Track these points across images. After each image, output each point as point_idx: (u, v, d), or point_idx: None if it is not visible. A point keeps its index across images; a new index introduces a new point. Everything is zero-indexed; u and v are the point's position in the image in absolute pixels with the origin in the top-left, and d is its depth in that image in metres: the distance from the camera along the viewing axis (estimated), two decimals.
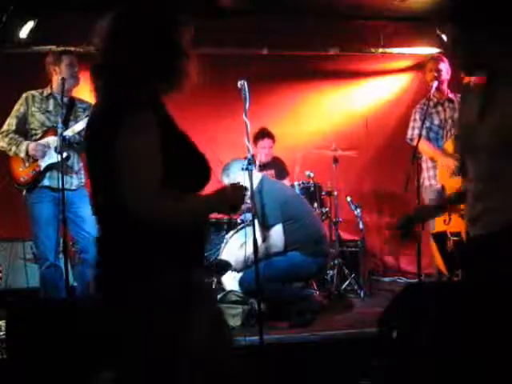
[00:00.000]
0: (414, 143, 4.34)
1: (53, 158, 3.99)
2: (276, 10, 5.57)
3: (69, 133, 4.00)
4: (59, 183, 3.85)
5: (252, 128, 3.44)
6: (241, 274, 4.24)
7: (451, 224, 3.71)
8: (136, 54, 1.70)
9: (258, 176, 4.28)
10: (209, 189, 1.80)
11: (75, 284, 4.39)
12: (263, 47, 5.82)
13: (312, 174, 5.30)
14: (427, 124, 4.46)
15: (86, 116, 4.12)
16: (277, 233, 4.18)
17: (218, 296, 4.10)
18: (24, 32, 5.20)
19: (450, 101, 4.58)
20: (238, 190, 1.83)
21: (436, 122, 4.55)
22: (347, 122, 6.42)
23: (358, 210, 5.34)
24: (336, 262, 5.15)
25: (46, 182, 4.05)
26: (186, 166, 1.72)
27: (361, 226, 5.38)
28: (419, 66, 6.07)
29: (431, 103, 4.53)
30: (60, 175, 3.84)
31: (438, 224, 3.88)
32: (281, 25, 5.64)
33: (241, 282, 4.16)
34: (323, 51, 6.05)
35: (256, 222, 3.65)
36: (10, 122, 4.11)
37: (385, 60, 6.33)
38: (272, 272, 4.01)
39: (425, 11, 5.59)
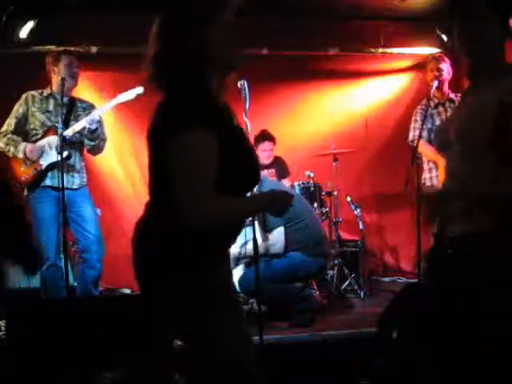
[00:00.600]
0: (415, 145, 4.33)
1: (54, 157, 3.99)
2: (276, 10, 5.56)
3: (69, 132, 4.00)
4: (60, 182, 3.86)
5: (252, 128, 3.44)
6: (240, 275, 4.24)
7: None
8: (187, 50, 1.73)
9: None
10: None
11: (75, 284, 4.39)
12: (263, 47, 5.81)
13: (312, 174, 5.30)
14: (428, 125, 4.45)
15: (87, 114, 4.13)
16: (278, 235, 4.18)
17: None
18: (24, 32, 5.20)
19: (451, 101, 4.56)
20: (288, 196, 1.89)
21: (437, 122, 4.53)
22: (347, 122, 6.41)
23: (358, 210, 5.34)
24: (336, 262, 5.15)
25: (47, 182, 4.05)
26: (239, 167, 1.74)
27: (361, 226, 5.38)
28: (419, 66, 6.07)
29: (432, 103, 4.52)
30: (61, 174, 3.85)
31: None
32: (281, 25, 5.63)
33: (240, 282, 4.16)
34: (323, 51, 6.04)
35: (256, 223, 3.65)
36: (9, 123, 4.11)
37: (385, 60, 6.33)
38: (272, 272, 4.01)
39: (425, 11, 5.58)
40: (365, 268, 5.33)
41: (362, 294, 5.02)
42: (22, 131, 4.12)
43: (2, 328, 3.38)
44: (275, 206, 1.89)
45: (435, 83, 4.38)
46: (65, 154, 3.90)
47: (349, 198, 5.38)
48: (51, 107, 4.15)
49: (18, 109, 4.13)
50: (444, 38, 5.64)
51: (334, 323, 4.08)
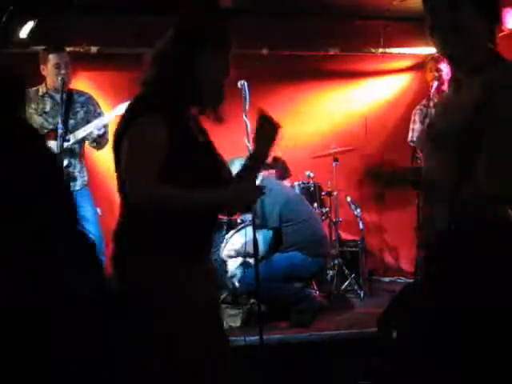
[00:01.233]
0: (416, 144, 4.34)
1: None
2: (276, 10, 5.56)
3: (70, 138, 3.96)
4: None
5: (252, 128, 3.44)
6: (240, 275, 4.25)
7: None
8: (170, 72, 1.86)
9: (258, 175, 4.28)
10: None
11: None
12: (263, 47, 5.82)
13: (312, 174, 5.30)
14: None
15: (86, 113, 4.11)
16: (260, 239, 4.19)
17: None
18: (24, 32, 5.20)
19: None
20: (256, 189, 1.94)
21: None
22: (347, 122, 6.41)
23: (358, 210, 5.34)
24: (336, 261, 5.15)
25: None
26: (193, 169, 1.83)
27: (361, 226, 5.38)
28: (419, 66, 6.07)
29: (431, 103, 4.53)
30: None
31: None
32: (281, 25, 5.64)
33: (240, 282, 4.16)
34: (323, 51, 6.04)
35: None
36: None
37: (385, 60, 6.33)
38: (272, 272, 4.01)
39: None
40: (365, 268, 5.33)
41: (361, 294, 5.02)
42: None
43: None
44: (238, 202, 1.94)
45: (435, 83, 4.39)
46: (65, 163, 3.88)
47: (349, 198, 5.37)
48: (48, 107, 4.10)
49: None
50: None
51: (334, 323, 4.08)
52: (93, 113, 4.17)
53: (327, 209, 5.39)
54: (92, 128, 3.97)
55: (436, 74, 4.51)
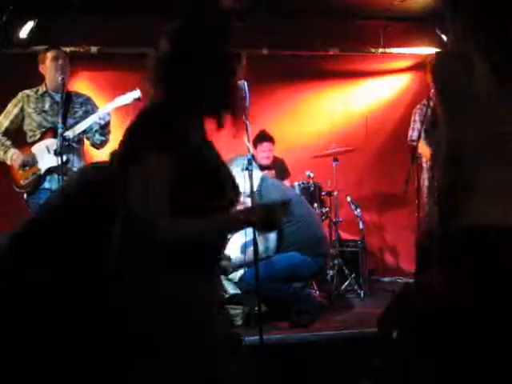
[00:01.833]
0: (415, 145, 4.34)
1: (52, 161, 3.94)
2: (276, 10, 5.57)
3: (69, 134, 3.97)
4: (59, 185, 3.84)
5: (252, 128, 3.44)
6: (238, 274, 4.24)
7: None
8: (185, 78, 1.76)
9: (258, 175, 4.28)
10: None
11: None
12: (263, 47, 5.82)
13: (312, 174, 5.29)
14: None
15: (85, 112, 4.11)
16: (271, 237, 4.18)
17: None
18: (24, 32, 5.20)
19: None
20: (272, 211, 1.75)
21: None
22: (347, 122, 6.42)
23: (358, 210, 5.34)
24: (336, 261, 5.15)
25: (46, 185, 4.02)
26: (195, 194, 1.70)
27: (361, 226, 5.38)
28: (419, 66, 6.08)
29: (431, 103, 4.52)
30: (60, 177, 3.82)
31: None
32: (281, 25, 5.65)
33: (240, 282, 4.16)
34: (323, 51, 6.05)
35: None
36: (1, 122, 4.07)
37: (385, 60, 6.34)
38: (272, 272, 4.01)
39: (425, 11, 5.60)
40: (365, 268, 5.33)
41: (362, 294, 5.02)
42: (13, 132, 4.07)
43: None
44: (238, 226, 1.85)
45: None
46: (64, 158, 3.87)
47: (349, 198, 5.38)
48: (47, 106, 4.09)
49: (12, 109, 4.08)
50: (444, 37, 5.64)
51: (334, 323, 4.08)
52: (91, 113, 4.17)
53: (327, 209, 5.39)
54: (91, 121, 3.97)
55: None
